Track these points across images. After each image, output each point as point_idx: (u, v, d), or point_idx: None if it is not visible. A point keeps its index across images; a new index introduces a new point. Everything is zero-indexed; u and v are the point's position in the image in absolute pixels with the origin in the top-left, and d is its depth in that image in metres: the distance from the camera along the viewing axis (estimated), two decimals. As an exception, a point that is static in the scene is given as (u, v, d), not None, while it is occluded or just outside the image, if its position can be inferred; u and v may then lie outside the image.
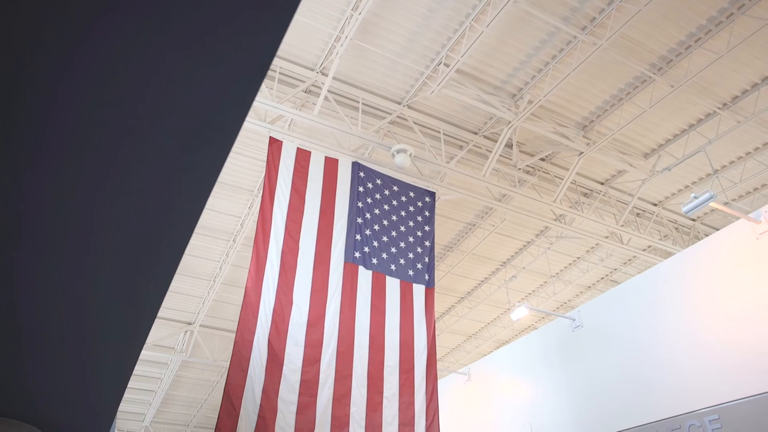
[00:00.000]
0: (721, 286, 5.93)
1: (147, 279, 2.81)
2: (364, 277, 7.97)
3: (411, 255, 8.59)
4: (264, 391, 6.52)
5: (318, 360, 6.98)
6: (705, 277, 6.17)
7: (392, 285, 8.12)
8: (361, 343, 7.42)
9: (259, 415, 6.35)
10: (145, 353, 15.79)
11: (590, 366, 7.31)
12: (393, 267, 8.28)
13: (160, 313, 15.05)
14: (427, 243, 8.87)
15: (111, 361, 3.65)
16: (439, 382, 9.66)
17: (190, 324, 15.50)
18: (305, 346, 6.99)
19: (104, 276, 2.84)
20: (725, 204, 10.54)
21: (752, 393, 5.30)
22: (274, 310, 7.03)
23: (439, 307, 15.22)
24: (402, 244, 8.61)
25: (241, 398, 6.32)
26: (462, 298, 14.99)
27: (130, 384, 18.52)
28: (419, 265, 8.54)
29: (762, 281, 5.50)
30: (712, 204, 5.46)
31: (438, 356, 17.10)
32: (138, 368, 17.48)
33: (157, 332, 15.58)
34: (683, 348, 6.14)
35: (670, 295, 6.55)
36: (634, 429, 6.31)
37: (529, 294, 14.75)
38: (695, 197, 5.52)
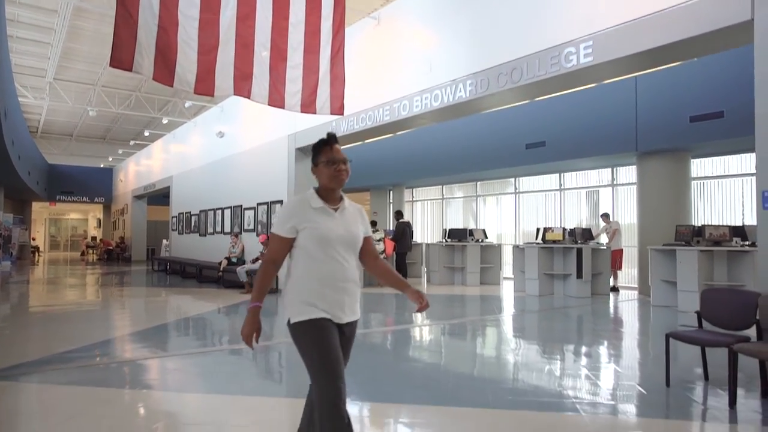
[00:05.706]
0: None
1: None
2: None
3: None
4: (162, 2, 6.27)
5: (218, -23, 6.60)
6: None
7: None
8: (265, -33, 6.99)
9: (159, 26, 6.23)
10: (27, -6, 14.22)
11: (491, 9, 7.51)
12: None
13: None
14: None
15: None
16: (349, 27, 9.71)
17: (74, -38, 13.68)
18: (203, -40, 6.49)
19: None
20: None
21: (622, 21, 5.82)
22: None
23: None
24: None
25: (138, 6, 6.08)
26: (381, -48, 13.95)
27: (21, 33, 17.11)
28: None
29: None
30: None
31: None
32: (24, 14, 15.98)
33: (36, -31, 13.76)
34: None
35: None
36: (520, 59, 6.94)
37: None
38: None
